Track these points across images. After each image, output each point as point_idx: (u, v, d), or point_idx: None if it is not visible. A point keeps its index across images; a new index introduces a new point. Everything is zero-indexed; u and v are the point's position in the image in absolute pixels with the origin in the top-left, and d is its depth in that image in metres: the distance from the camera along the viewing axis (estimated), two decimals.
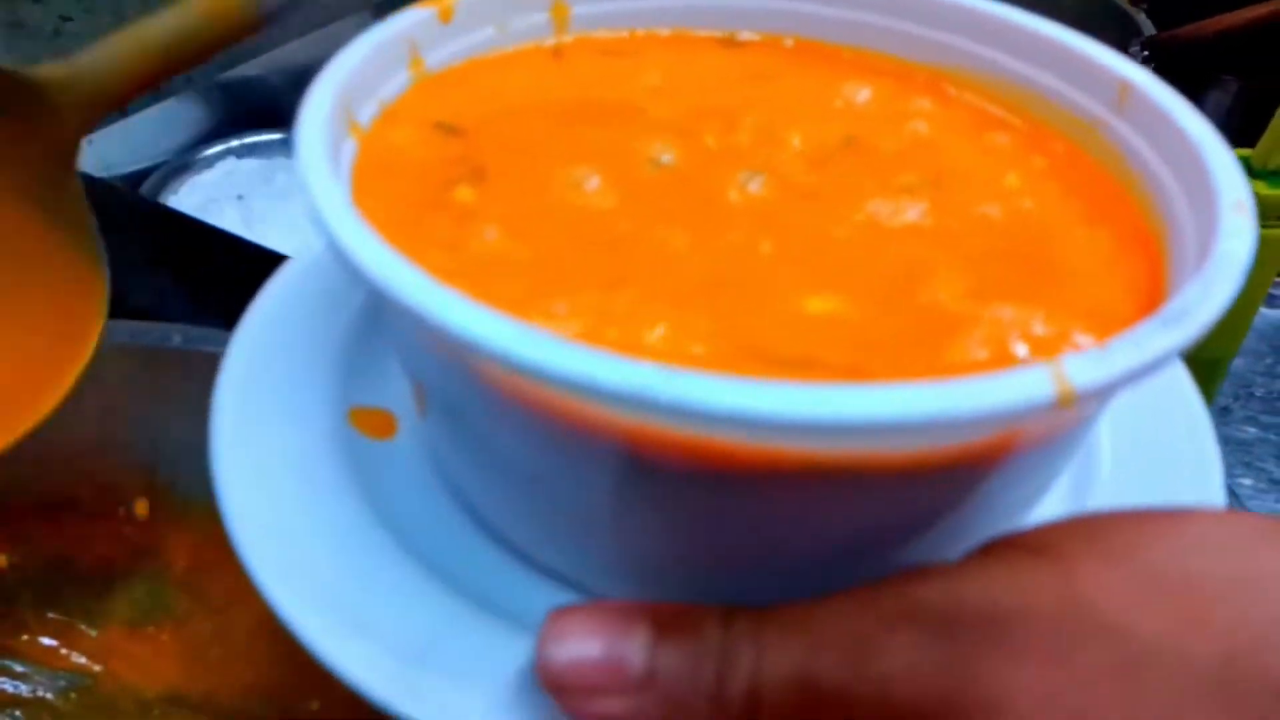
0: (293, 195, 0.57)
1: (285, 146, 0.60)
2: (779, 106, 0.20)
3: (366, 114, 0.18)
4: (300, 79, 0.63)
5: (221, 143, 0.58)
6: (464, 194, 0.17)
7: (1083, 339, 0.15)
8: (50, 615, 0.33)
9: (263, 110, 0.62)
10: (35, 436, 0.32)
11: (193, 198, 0.55)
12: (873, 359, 0.15)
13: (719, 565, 0.16)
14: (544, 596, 0.17)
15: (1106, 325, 0.15)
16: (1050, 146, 0.19)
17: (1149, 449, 0.19)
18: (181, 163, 0.57)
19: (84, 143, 0.52)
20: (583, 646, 0.14)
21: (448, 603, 0.17)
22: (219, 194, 0.56)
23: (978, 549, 0.15)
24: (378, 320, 0.21)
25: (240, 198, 0.56)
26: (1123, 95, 0.18)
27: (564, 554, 0.17)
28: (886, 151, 0.19)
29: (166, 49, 0.25)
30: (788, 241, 0.17)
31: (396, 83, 0.19)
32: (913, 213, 0.17)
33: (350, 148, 0.17)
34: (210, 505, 0.33)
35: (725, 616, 0.15)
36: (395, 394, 0.20)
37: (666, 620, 0.15)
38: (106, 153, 0.54)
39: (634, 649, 0.14)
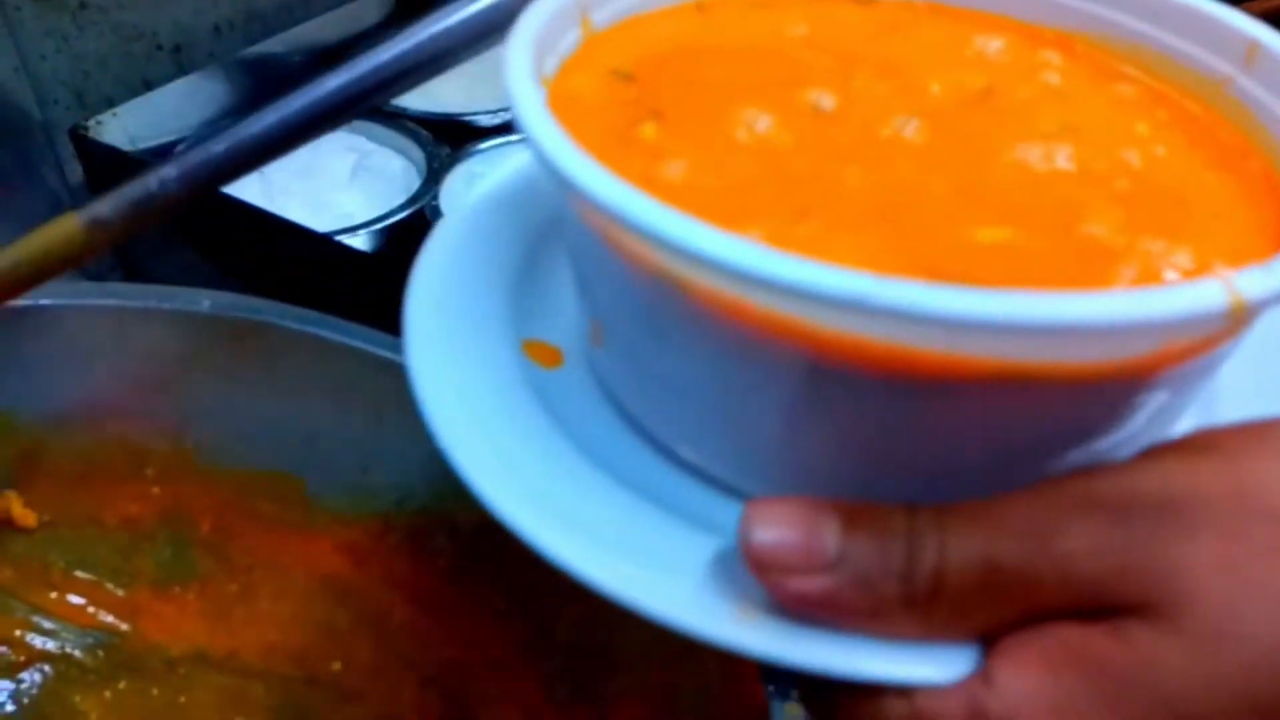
0: (313, 172, 0.57)
1: None
2: (916, 57, 0.21)
3: (550, 66, 0.20)
4: (321, 57, 0.64)
5: None
6: (647, 131, 0.19)
7: (1227, 272, 0.16)
8: (78, 574, 0.34)
9: (282, 88, 0.62)
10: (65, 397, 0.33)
11: None
12: (1043, 283, 0.16)
13: (895, 470, 0.17)
14: (719, 506, 0.18)
15: (1246, 261, 0.16)
16: (1172, 101, 0.21)
17: (1267, 370, 0.20)
18: (204, 138, 0.57)
19: (110, 115, 0.53)
20: (782, 530, 0.16)
21: (639, 505, 0.18)
22: None
23: (1144, 451, 0.16)
24: (563, 257, 0.22)
25: (261, 173, 0.56)
26: (1250, 54, 0.20)
27: (738, 466, 0.19)
28: (1022, 99, 0.20)
29: (13, 285, 0.27)
30: (951, 178, 0.18)
31: (570, 39, 0.21)
32: (1059, 154, 0.19)
33: (540, 94, 0.18)
34: (235, 469, 0.34)
35: (908, 509, 0.16)
36: (560, 329, 0.21)
37: (854, 512, 0.16)
38: (131, 127, 0.54)
39: (827, 534, 0.16)
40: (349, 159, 0.58)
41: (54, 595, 0.34)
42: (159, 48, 0.58)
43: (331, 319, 0.33)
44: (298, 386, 0.33)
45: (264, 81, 0.61)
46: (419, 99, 0.62)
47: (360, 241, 0.52)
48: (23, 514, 0.33)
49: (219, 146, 0.27)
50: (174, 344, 0.33)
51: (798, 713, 0.38)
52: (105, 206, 0.27)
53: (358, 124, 0.60)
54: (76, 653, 0.33)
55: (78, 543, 0.34)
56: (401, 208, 0.53)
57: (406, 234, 0.53)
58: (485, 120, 0.61)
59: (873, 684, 0.16)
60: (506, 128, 0.60)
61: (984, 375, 0.15)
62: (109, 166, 0.51)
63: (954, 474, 0.17)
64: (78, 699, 0.32)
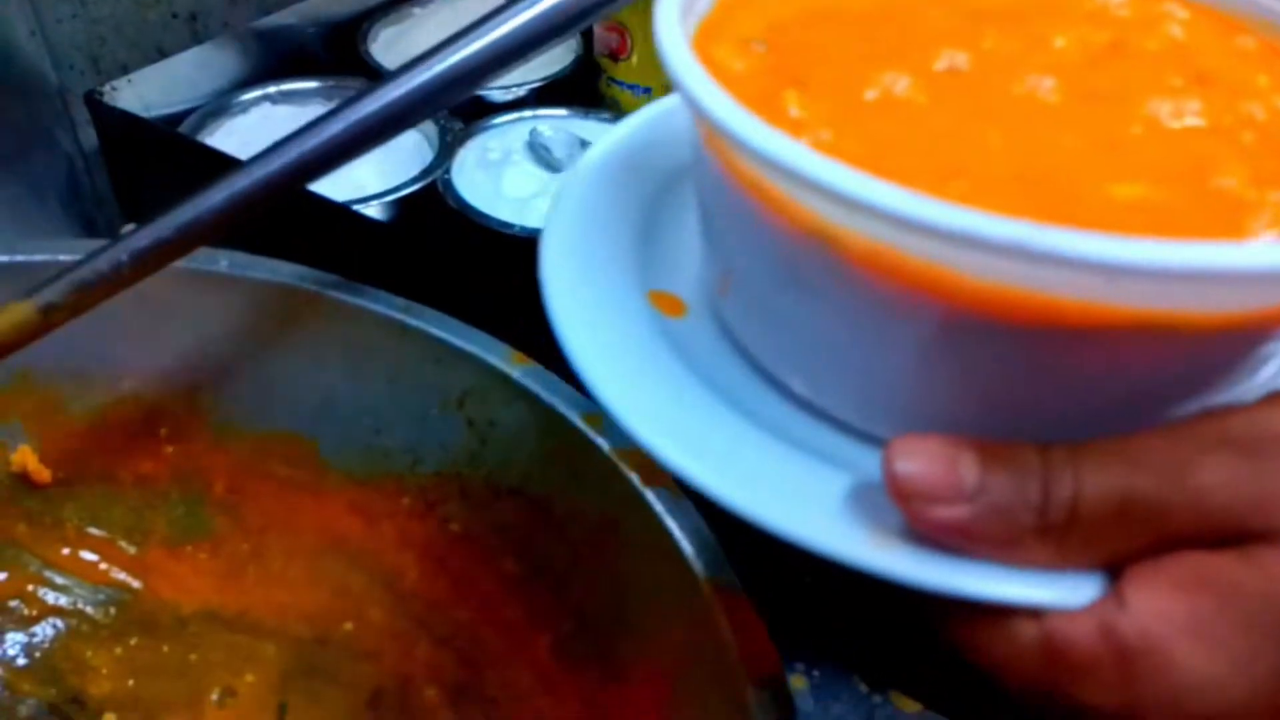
0: None
1: (319, 95, 0.60)
2: (1039, 12, 0.22)
3: (689, 28, 0.20)
4: (334, 29, 0.64)
5: (258, 89, 0.58)
6: (790, 99, 0.19)
7: None
8: (91, 531, 0.34)
9: (297, 59, 0.62)
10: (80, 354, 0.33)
11: (229, 141, 0.56)
12: (1181, 237, 0.16)
13: (1024, 415, 0.18)
14: (847, 447, 0.20)
15: None
16: None
17: None
18: (217, 106, 0.57)
19: (125, 81, 0.52)
20: (925, 462, 0.17)
21: (773, 442, 0.19)
22: (253, 139, 0.56)
23: (1270, 394, 0.17)
24: (680, 214, 0.24)
25: None
26: None
27: (868, 410, 0.20)
28: (1150, 53, 0.21)
29: None
30: (1086, 135, 0.18)
31: (703, 5, 0.21)
32: (1188, 109, 0.19)
33: (693, 55, 0.19)
34: (249, 430, 0.34)
35: (1041, 447, 0.17)
36: (681, 281, 0.23)
37: (991, 448, 0.17)
38: (146, 93, 0.54)
39: (966, 467, 0.17)
40: None
41: (67, 551, 0.34)
42: (174, 15, 0.58)
43: (348, 282, 0.33)
44: (313, 348, 0.33)
45: (275, 53, 0.61)
46: None
47: (373, 212, 0.52)
48: (37, 469, 0.33)
49: (166, 231, 0.28)
50: (191, 303, 0.33)
51: (802, 684, 0.38)
52: (56, 292, 0.28)
53: None
54: (88, 609, 0.33)
55: (91, 500, 0.34)
56: (414, 180, 0.53)
57: (419, 206, 0.53)
58: (498, 96, 0.61)
59: (1002, 608, 0.17)
60: (519, 103, 0.60)
61: (1125, 324, 0.16)
62: (124, 131, 0.51)
63: (1083, 418, 0.18)
64: (89, 654, 0.33)
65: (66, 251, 0.32)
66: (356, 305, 0.32)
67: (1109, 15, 0.22)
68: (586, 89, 0.62)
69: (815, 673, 0.38)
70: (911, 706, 0.37)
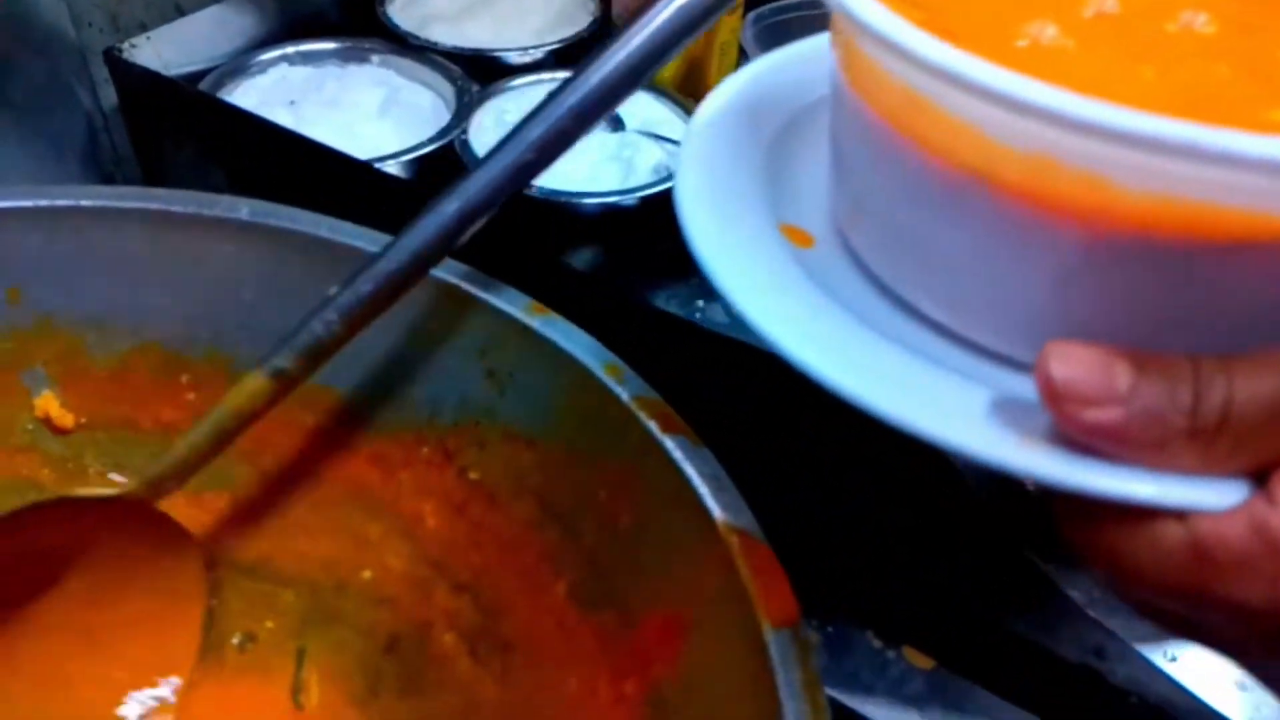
0: (341, 105, 0.57)
1: (336, 57, 0.60)
2: None
3: None
4: None
5: (275, 49, 0.58)
6: None
7: None
8: (113, 476, 0.34)
9: (314, 20, 0.62)
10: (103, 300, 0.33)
11: (246, 100, 0.56)
12: None
13: (1170, 329, 0.19)
14: (985, 369, 0.20)
15: None
16: None
17: None
18: (235, 66, 0.57)
19: (144, 39, 0.52)
20: (1078, 365, 0.17)
21: (915, 360, 0.20)
22: (271, 99, 0.56)
23: None
24: (801, 153, 0.25)
25: (292, 103, 0.56)
26: None
27: (1010, 334, 0.20)
28: None
29: (218, 444, 0.31)
30: (1242, 67, 0.19)
31: None
32: None
33: None
34: None
35: (1192, 357, 0.18)
36: (808, 215, 0.24)
37: (1143, 356, 0.18)
38: (165, 51, 0.54)
39: (1120, 371, 0.17)
40: (379, 93, 0.58)
41: None
42: None
43: (368, 231, 0.33)
44: None
45: (291, 13, 0.61)
46: (449, 34, 0.62)
47: (391, 170, 0.52)
48: (60, 415, 0.33)
49: (366, 285, 0.30)
50: (213, 250, 0.33)
51: (815, 640, 0.38)
52: (284, 359, 0.30)
53: (388, 59, 0.60)
54: None
55: (113, 445, 0.34)
56: (431, 140, 0.53)
57: (435, 166, 0.53)
58: (515, 58, 0.61)
59: (1148, 510, 0.18)
60: (536, 66, 0.60)
61: (1269, 233, 0.16)
62: (143, 89, 0.51)
63: (1231, 332, 0.18)
64: None
65: (91, 197, 0.32)
66: (375, 254, 0.32)
67: None
68: None
69: (829, 628, 0.38)
70: (924, 663, 0.37)
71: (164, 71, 0.53)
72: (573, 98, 0.30)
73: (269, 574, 0.34)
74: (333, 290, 0.30)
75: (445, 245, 0.30)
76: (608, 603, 0.29)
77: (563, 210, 0.53)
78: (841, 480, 0.38)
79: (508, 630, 0.31)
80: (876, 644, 0.38)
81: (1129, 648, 0.33)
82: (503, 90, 0.58)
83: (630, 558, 0.29)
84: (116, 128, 0.54)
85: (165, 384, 0.34)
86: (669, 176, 0.53)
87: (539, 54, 0.61)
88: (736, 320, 0.20)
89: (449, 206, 0.30)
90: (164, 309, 0.34)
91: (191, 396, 0.34)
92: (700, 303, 0.53)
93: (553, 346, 0.31)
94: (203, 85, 0.55)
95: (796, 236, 0.23)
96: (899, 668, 0.37)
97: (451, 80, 0.58)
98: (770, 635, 0.24)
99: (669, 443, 0.28)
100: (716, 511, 0.27)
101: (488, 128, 0.56)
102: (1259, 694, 0.36)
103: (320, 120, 0.56)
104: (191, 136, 0.50)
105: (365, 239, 0.33)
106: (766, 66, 0.28)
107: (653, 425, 0.29)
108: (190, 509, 0.34)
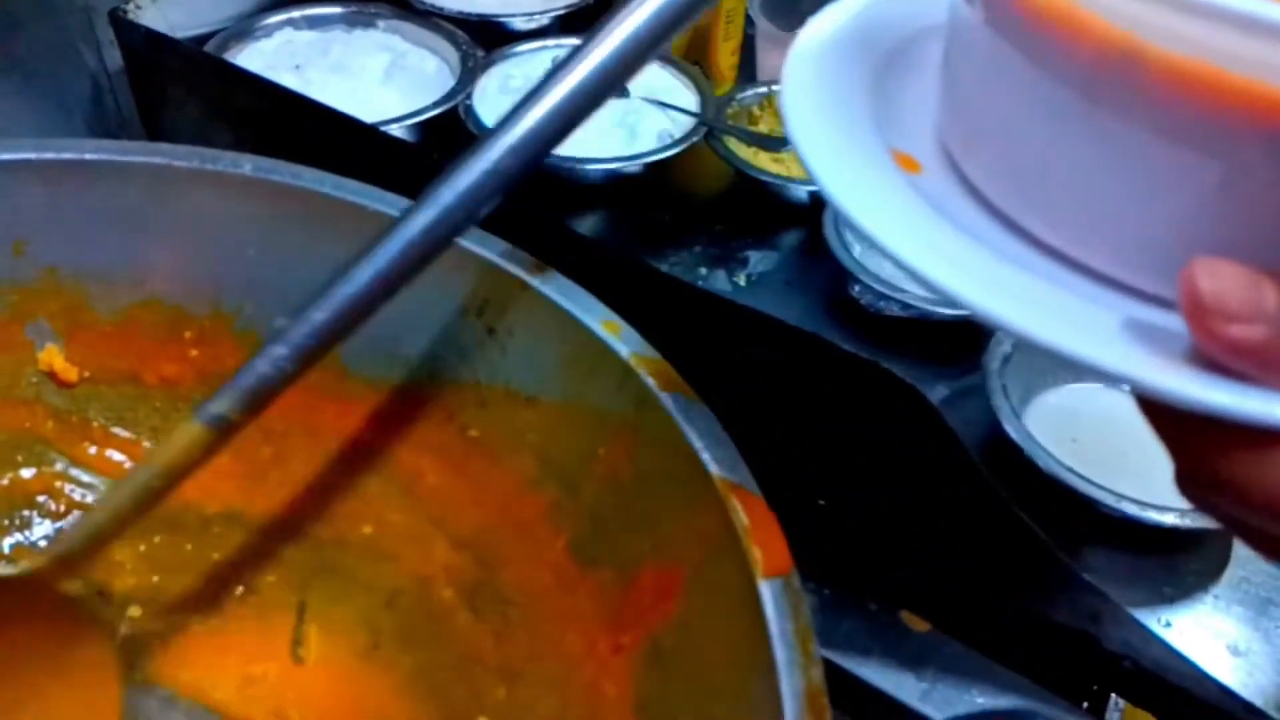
0: (347, 69, 0.57)
1: (342, 21, 0.60)
2: None
3: None
4: None
5: (281, 12, 0.58)
6: None
7: None
8: (117, 431, 0.35)
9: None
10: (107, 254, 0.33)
11: (252, 64, 0.56)
12: None
13: None
14: (1109, 295, 0.20)
15: None
16: None
17: None
18: (240, 29, 0.57)
19: (151, 1, 0.52)
20: (1226, 280, 0.17)
21: (1035, 281, 0.20)
22: (276, 62, 0.56)
23: None
24: (907, 80, 0.24)
25: (297, 67, 0.56)
26: None
27: (1138, 259, 0.20)
28: None
29: (142, 507, 0.28)
30: None
31: None
32: None
33: None
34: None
35: None
36: (914, 141, 0.23)
37: None
38: (170, 13, 0.54)
39: (1269, 291, 0.17)
40: (384, 58, 0.58)
41: (93, 450, 0.35)
42: None
43: (371, 188, 0.33)
44: (336, 254, 0.33)
45: None
46: (453, 0, 0.61)
47: (397, 134, 0.52)
48: (65, 368, 0.34)
49: (320, 314, 0.27)
50: (216, 205, 0.33)
51: (812, 603, 0.38)
52: (222, 403, 0.27)
53: (393, 23, 0.60)
54: None
55: (117, 400, 0.34)
56: (436, 104, 0.53)
57: (440, 131, 0.53)
58: (520, 24, 0.60)
59: None
60: (541, 32, 0.60)
61: None
62: (148, 50, 0.51)
63: None
64: (114, 549, 0.33)
65: (95, 150, 0.32)
66: (380, 211, 0.32)
67: None
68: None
69: (825, 591, 0.38)
70: (921, 626, 0.37)
71: (169, 33, 0.53)
72: (572, 79, 0.29)
73: (271, 528, 0.34)
74: (279, 322, 0.26)
75: (416, 265, 0.27)
76: (607, 558, 0.30)
77: (566, 176, 0.53)
78: (840, 446, 0.38)
79: (507, 586, 0.32)
80: (873, 607, 0.38)
81: (1123, 613, 0.34)
82: (508, 56, 0.58)
83: (629, 513, 0.29)
84: (121, 89, 0.54)
85: (168, 340, 0.34)
86: (673, 143, 0.53)
87: (545, 20, 0.61)
88: (871, 245, 0.20)
89: (420, 218, 0.27)
90: (167, 264, 0.34)
91: (194, 353, 0.34)
92: (703, 270, 0.53)
93: (552, 304, 0.31)
94: (208, 48, 0.55)
95: (906, 163, 0.23)
96: (895, 631, 0.37)
97: (456, 45, 0.57)
98: (764, 586, 0.24)
99: (667, 399, 0.29)
100: (713, 466, 0.27)
101: (492, 93, 0.56)
102: (1252, 659, 0.37)
103: (325, 84, 0.56)
104: (196, 99, 0.50)
105: (369, 196, 0.33)
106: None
107: (651, 382, 0.29)
108: None
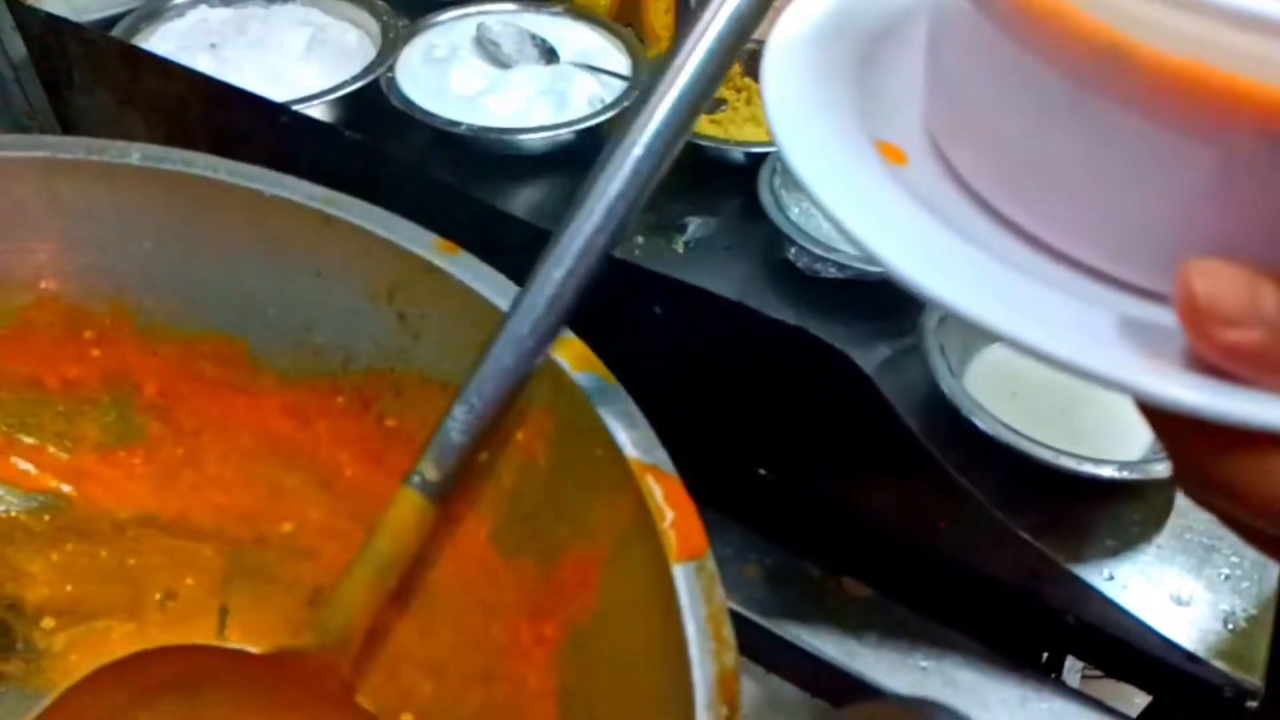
0: (265, 45, 0.55)
1: None
2: None
3: None
4: None
5: None
6: None
7: None
8: (21, 438, 0.33)
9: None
10: None
11: (165, 45, 0.54)
12: None
13: None
14: (1101, 292, 0.19)
15: None
16: None
17: None
18: (151, 9, 0.55)
19: None
20: (1221, 282, 0.16)
21: (1026, 281, 0.19)
22: (191, 42, 0.54)
23: None
24: (891, 65, 0.23)
25: (213, 46, 0.54)
26: None
27: (1131, 253, 0.19)
28: None
29: (387, 576, 0.28)
30: None
31: None
32: None
33: None
34: (177, 330, 0.33)
35: None
36: (899, 131, 0.22)
37: None
38: None
39: (1265, 290, 0.16)
40: (304, 33, 0.56)
41: None
42: None
43: (267, 171, 0.31)
44: (234, 243, 0.32)
45: None
46: None
47: (315, 113, 0.50)
48: None
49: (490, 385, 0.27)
50: (106, 199, 0.32)
51: (755, 573, 0.38)
52: (430, 470, 0.27)
53: None
54: (21, 516, 0.33)
55: (19, 406, 0.33)
56: (355, 79, 0.51)
57: (363, 104, 0.52)
58: None
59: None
60: None
61: None
62: (52, 37, 0.49)
63: None
64: (24, 561, 0.32)
65: None
66: (275, 195, 0.31)
67: None
68: None
69: (768, 560, 0.38)
70: (861, 591, 0.37)
71: (73, 17, 0.51)
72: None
73: (187, 530, 0.33)
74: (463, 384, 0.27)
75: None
76: (528, 546, 0.29)
77: (498, 147, 0.51)
78: (778, 415, 0.37)
79: (432, 580, 0.31)
80: (815, 574, 0.38)
81: (1062, 569, 0.33)
82: (430, 25, 0.56)
83: (549, 498, 0.29)
84: (29, 78, 0.52)
85: (68, 340, 0.33)
86: (605, 108, 0.52)
87: None
88: (851, 241, 0.19)
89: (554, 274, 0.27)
90: (60, 261, 0.32)
91: (97, 353, 0.33)
92: (640, 239, 0.52)
93: (462, 287, 0.30)
94: (116, 31, 0.53)
95: (891, 153, 0.22)
96: (837, 597, 0.37)
97: (377, 16, 0.56)
98: (677, 570, 0.23)
99: (582, 380, 0.28)
100: (628, 448, 0.26)
101: (415, 64, 0.54)
102: (1195, 610, 0.36)
103: (244, 63, 0.54)
104: (104, 86, 0.48)
105: (265, 181, 0.31)
106: None
107: (565, 364, 0.28)
108: (103, 466, 0.34)
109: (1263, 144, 0.16)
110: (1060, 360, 0.17)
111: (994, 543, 0.35)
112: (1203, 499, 0.18)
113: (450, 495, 0.28)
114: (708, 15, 0.26)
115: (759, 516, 0.39)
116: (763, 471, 0.39)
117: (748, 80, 0.56)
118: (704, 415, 0.38)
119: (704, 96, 0.27)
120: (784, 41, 0.23)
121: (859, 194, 0.19)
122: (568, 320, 0.28)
